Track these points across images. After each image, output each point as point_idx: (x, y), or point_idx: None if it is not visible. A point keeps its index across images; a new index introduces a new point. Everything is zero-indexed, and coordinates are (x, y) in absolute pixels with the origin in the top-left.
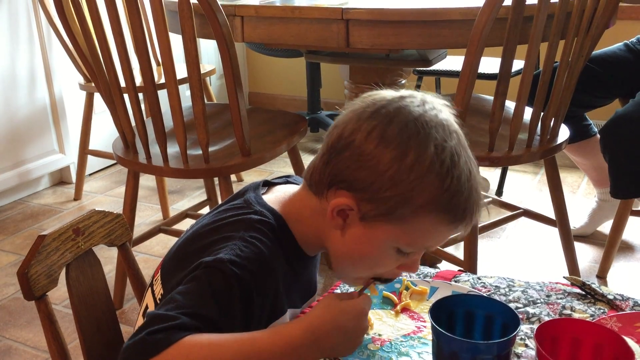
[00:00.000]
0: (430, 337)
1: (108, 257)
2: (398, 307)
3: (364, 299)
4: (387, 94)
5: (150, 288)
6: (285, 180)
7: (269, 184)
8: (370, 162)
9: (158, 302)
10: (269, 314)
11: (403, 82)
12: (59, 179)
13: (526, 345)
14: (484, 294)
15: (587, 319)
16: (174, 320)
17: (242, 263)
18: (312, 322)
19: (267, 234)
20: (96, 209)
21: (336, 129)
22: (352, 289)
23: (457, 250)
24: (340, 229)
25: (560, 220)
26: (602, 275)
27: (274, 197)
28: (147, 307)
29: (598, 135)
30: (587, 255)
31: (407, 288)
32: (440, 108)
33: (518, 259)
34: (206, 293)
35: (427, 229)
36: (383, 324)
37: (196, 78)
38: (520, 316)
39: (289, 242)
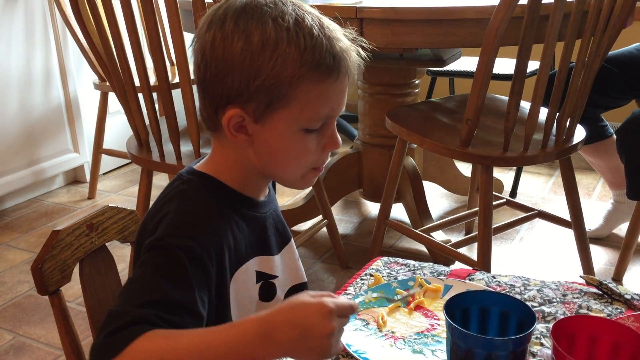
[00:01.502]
0: (444, 335)
1: (121, 256)
2: (412, 305)
3: (334, 301)
4: (214, 5)
5: None
6: None
7: None
8: (228, 65)
9: None
10: (230, 268)
11: (417, 82)
12: (73, 177)
13: (541, 344)
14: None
15: None
16: (126, 315)
17: (179, 233)
18: (266, 315)
19: (197, 196)
20: (110, 205)
21: (194, 62)
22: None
23: (471, 252)
24: (249, 143)
25: (576, 221)
26: (617, 278)
27: (201, 163)
28: None
29: (614, 137)
30: (602, 257)
31: (420, 286)
32: None
33: (532, 260)
34: (154, 275)
35: (313, 96)
36: (396, 322)
37: None
38: (536, 315)
39: (224, 192)
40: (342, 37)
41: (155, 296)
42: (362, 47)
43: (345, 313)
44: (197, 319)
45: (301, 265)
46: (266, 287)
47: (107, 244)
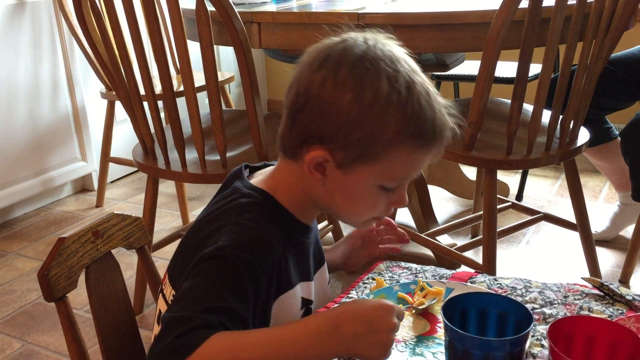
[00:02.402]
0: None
1: (129, 263)
2: (410, 306)
3: (393, 304)
4: (329, 41)
5: (161, 293)
6: (264, 164)
7: (249, 169)
8: (332, 110)
9: (169, 303)
10: (277, 288)
11: None
12: (81, 186)
13: (542, 346)
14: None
15: None
16: (194, 320)
17: (240, 245)
18: (333, 310)
19: (258, 213)
20: (115, 212)
21: (291, 88)
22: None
23: (476, 255)
24: (322, 182)
25: (581, 223)
26: (625, 280)
27: (258, 179)
28: (160, 312)
29: (619, 139)
30: (609, 260)
31: (422, 289)
32: (383, 42)
33: (538, 264)
34: (216, 284)
35: (402, 160)
36: None
37: (213, 84)
38: (537, 317)
39: (282, 215)
40: (443, 109)
41: (218, 303)
42: (459, 125)
43: (400, 315)
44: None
45: (329, 290)
46: (306, 313)
47: (114, 252)
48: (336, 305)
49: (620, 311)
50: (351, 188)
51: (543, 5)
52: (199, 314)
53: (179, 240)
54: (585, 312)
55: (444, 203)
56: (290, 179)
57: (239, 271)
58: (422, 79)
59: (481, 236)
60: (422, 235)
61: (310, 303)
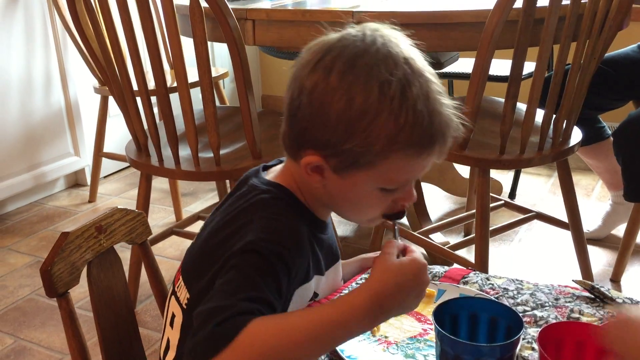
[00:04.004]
0: None
1: (122, 259)
2: None
3: (419, 256)
4: (327, 39)
5: (173, 296)
6: (279, 161)
7: (265, 168)
8: (322, 119)
9: (184, 307)
10: (297, 282)
11: None
12: (74, 181)
13: (533, 349)
14: (491, 297)
15: (596, 323)
16: (233, 307)
17: (271, 238)
18: (374, 287)
19: (282, 207)
20: (118, 207)
21: (288, 90)
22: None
23: (469, 254)
24: (322, 184)
25: (573, 223)
26: (615, 279)
27: (273, 175)
28: (173, 316)
29: (612, 138)
30: (601, 258)
31: None
32: (385, 38)
33: (531, 262)
34: (250, 275)
35: (400, 166)
36: (389, 326)
37: (207, 81)
38: (528, 319)
39: (302, 208)
40: (447, 102)
41: (255, 294)
42: (462, 124)
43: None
44: None
45: (341, 284)
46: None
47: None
48: (368, 275)
49: (611, 314)
50: (350, 190)
51: (537, 5)
52: (237, 302)
53: (172, 236)
54: (576, 315)
55: (438, 201)
56: (297, 178)
57: (273, 264)
58: (424, 80)
59: (474, 234)
60: (415, 233)
61: (316, 296)
